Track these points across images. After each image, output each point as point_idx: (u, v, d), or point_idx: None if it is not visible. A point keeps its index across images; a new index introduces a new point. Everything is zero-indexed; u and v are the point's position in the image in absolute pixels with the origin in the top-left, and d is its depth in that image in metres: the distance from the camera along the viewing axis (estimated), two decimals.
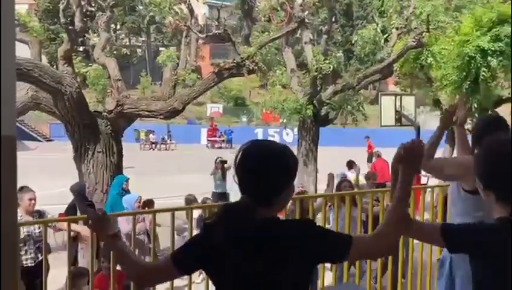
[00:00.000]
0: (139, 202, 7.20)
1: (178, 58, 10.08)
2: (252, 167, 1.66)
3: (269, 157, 1.67)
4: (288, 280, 1.59)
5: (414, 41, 10.05)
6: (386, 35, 11.87)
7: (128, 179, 8.36)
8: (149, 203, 7.47)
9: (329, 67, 9.68)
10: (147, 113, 7.89)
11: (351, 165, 12.45)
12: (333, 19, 12.08)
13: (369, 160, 19.85)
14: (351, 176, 11.14)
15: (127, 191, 8.16)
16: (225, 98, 39.51)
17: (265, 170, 1.64)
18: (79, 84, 8.29)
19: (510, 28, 10.94)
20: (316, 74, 9.88)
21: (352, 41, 11.76)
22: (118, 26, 39.91)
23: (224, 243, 1.60)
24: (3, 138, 1.44)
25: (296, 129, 40.68)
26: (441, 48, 12.57)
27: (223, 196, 10.65)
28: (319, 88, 10.29)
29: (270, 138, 41.27)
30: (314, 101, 10.64)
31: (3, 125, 1.45)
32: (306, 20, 9.38)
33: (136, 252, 6.80)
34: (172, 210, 3.66)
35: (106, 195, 8.46)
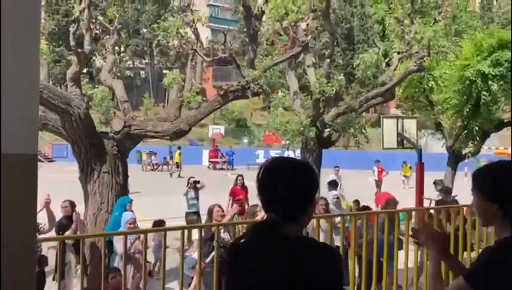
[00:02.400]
0: (130, 224, 7.19)
1: (183, 80, 10.22)
2: (276, 183, 1.62)
3: (293, 172, 1.65)
4: None
5: (415, 66, 10.23)
6: (388, 59, 12.06)
7: (132, 200, 8.40)
8: (160, 223, 7.56)
9: (332, 90, 9.83)
10: (153, 134, 8.00)
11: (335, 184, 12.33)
12: (335, 43, 12.27)
13: (378, 186, 19.58)
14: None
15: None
16: (227, 119, 39.78)
17: (290, 186, 1.61)
18: (86, 105, 8.42)
19: (510, 54, 11.15)
20: (319, 96, 10.03)
21: (354, 65, 11.95)
22: (122, 49, 40.44)
23: (255, 262, 1.56)
24: (29, 157, 1.44)
25: (298, 151, 40.65)
26: (442, 72, 12.78)
27: (196, 215, 10.71)
28: (321, 110, 10.42)
29: None
30: (317, 123, 10.76)
31: (29, 144, 1.45)
32: (309, 45, 9.57)
33: (132, 270, 6.88)
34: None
35: (110, 215, 8.51)
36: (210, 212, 7.11)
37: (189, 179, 11.66)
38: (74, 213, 6.58)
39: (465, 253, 4.94)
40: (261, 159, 37.30)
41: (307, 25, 8.23)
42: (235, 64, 8.07)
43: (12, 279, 1.32)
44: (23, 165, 1.39)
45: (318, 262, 1.54)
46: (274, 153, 36.12)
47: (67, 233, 6.31)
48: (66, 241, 6.14)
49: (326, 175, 12.62)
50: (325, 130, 11.01)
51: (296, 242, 1.58)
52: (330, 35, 10.92)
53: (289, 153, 36.62)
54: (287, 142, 11.56)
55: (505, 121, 13.25)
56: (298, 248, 1.56)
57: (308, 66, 10.62)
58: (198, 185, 11.40)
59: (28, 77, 1.40)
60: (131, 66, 42.56)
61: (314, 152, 11.06)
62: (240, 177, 11.88)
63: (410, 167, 24.46)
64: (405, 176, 24.82)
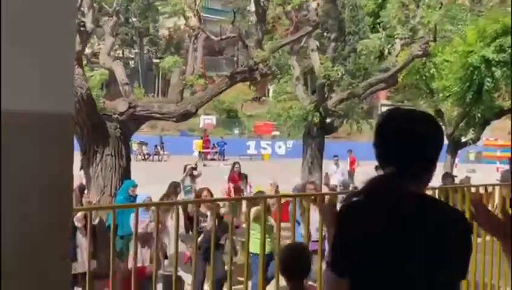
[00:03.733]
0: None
1: (183, 64, 10.02)
2: (405, 130, 1.39)
3: (423, 121, 1.43)
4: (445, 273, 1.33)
5: (420, 51, 10.12)
6: (389, 45, 11.95)
7: (136, 185, 8.19)
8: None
9: (338, 75, 9.67)
10: (159, 115, 7.77)
11: None
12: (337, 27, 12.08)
13: (351, 177, 18.60)
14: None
15: (135, 197, 7.99)
16: (218, 110, 39.50)
17: (422, 138, 1.39)
18: (88, 86, 8.17)
19: None
20: (323, 81, 9.86)
21: (346, 56, 11.82)
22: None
23: (380, 223, 1.35)
24: (63, 116, 1.20)
25: (288, 142, 40.54)
26: (443, 60, 12.72)
27: None
28: (326, 95, 10.27)
29: (262, 151, 40.74)
30: (320, 109, 10.61)
31: (63, 102, 1.22)
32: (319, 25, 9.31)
33: (144, 249, 6.69)
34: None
35: (114, 199, 8.28)
36: (198, 197, 6.90)
37: (186, 166, 11.46)
38: (83, 197, 6.37)
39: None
40: (252, 150, 37.14)
41: (318, 4, 8.04)
42: (243, 44, 7.86)
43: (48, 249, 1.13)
44: (61, 124, 1.19)
45: (449, 222, 1.35)
46: (265, 144, 35.95)
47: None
48: (75, 223, 5.94)
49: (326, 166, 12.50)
50: (328, 116, 10.86)
51: (424, 200, 1.39)
52: (336, 18, 10.75)
53: (279, 145, 36.61)
54: (288, 129, 11.38)
55: (505, 108, 13.26)
56: (427, 206, 1.37)
57: (312, 50, 10.44)
58: (195, 173, 11.16)
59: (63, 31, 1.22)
60: (120, 55, 41.96)
61: (317, 139, 10.92)
62: (237, 165, 11.75)
63: None
64: None
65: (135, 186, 8.10)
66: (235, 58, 46.62)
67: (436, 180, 14.33)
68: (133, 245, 3.39)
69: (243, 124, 39.50)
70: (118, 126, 8.24)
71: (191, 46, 10.28)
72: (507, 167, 32.02)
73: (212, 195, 6.55)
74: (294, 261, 2.82)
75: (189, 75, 9.65)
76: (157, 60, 41.22)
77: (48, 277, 1.13)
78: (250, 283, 6.83)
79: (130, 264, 5.49)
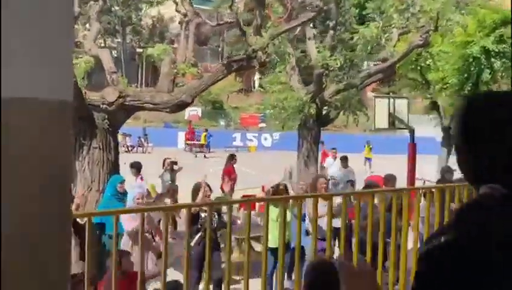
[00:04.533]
0: (138, 199, 6.66)
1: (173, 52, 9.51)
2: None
3: None
4: None
5: (421, 40, 9.77)
6: (386, 35, 11.57)
7: (124, 180, 7.72)
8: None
9: (337, 64, 9.28)
10: (151, 106, 7.26)
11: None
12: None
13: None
14: None
15: (123, 193, 7.52)
16: (203, 101, 38.88)
17: None
18: (75, 74, 7.61)
19: None
20: (321, 70, 9.45)
21: (345, 41, 11.42)
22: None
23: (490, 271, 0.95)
24: (59, 103, 1.15)
25: (275, 134, 40.14)
26: (439, 50, 12.42)
27: None
28: (324, 86, 9.88)
29: (248, 143, 40.39)
30: (317, 100, 10.22)
31: (60, 88, 1.17)
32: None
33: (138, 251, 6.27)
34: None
35: (102, 195, 7.78)
36: (196, 191, 6.50)
37: (164, 160, 10.66)
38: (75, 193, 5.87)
39: None
40: (238, 142, 36.68)
41: None
42: (241, 31, 7.38)
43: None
44: (60, 112, 1.16)
45: None
46: (251, 136, 35.51)
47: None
48: None
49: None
50: (324, 107, 10.47)
51: None
52: (335, 5, 10.33)
53: (266, 136, 36.24)
54: (282, 121, 10.96)
55: None
56: None
57: (309, 39, 10.01)
58: (175, 167, 10.38)
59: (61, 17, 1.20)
60: (102, 44, 40.94)
61: (313, 130, 10.53)
62: (234, 158, 11.32)
63: (371, 148, 23.64)
64: (367, 159, 23.62)
65: (123, 181, 7.62)
66: (220, 49, 46.02)
67: (429, 174, 14.01)
68: (140, 251, 2.93)
69: (229, 116, 39.00)
70: (106, 117, 7.71)
71: (183, 33, 9.76)
72: None
73: (210, 189, 6.18)
74: (323, 285, 2.42)
75: (180, 63, 9.15)
76: (141, 50, 40.35)
77: (48, 277, 1.11)
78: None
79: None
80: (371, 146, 23.71)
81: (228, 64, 7.44)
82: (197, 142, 34.37)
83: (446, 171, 10.31)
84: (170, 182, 10.01)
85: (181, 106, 7.31)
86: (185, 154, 32.44)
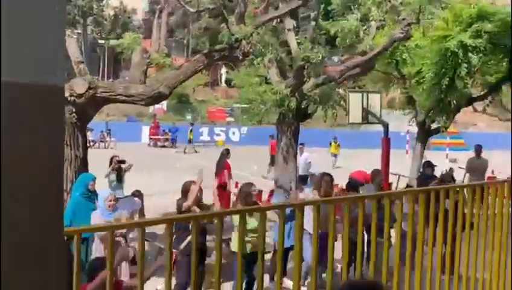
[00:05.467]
0: (110, 201, 6.18)
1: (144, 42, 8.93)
2: None
3: None
4: None
5: (402, 33, 9.58)
6: (364, 28, 11.35)
7: (95, 178, 7.14)
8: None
9: (319, 57, 8.94)
10: (124, 98, 6.69)
11: None
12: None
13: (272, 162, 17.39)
14: None
15: (93, 193, 6.96)
16: None
17: None
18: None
19: (490, 25, 10.84)
20: (302, 63, 9.09)
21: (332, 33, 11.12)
22: None
23: None
24: (53, 88, 1.07)
25: (243, 129, 39.78)
26: (416, 44, 12.31)
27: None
28: (305, 79, 9.52)
29: (216, 137, 40.01)
30: (296, 94, 9.86)
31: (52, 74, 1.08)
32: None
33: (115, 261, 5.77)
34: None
35: (69, 196, 7.16)
36: (186, 192, 6.05)
37: (112, 159, 9.36)
38: None
39: None
40: (205, 137, 36.04)
41: None
42: (223, 18, 6.90)
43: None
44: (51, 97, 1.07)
45: None
46: (219, 130, 34.94)
47: None
48: None
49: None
50: (303, 101, 10.13)
51: None
52: None
53: (233, 131, 35.75)
54: (262, 113, 10.56)
55: (474, 96, 13.12)
56: None
57: (288, 30, 9.63)
58: (123, 166, 9.23)
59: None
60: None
61: (293, 125, 10.18)
62: (227, 151, 11.09)
63: (339, 145, 23.42)
64: (333, 155, 23.49)
65: (95, 179, 7.07)
66: (185, 42, 45.09)
67: (401, 169, 13.91)
68: (139, 266, 2.46)
69: (196, 110, 38.25)
70: (74, 110, 7.10)
71: (155, 22, 9.20)
72: (458, 153, 32.95)
73: (201, 189, 5.75)
74: None
75: (153, 53, 8.59)
76: (102, 41, 38.96)
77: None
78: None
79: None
80: (337, 142, 23.46)
81: (209, 54, 6.95)
82: (161, 137, 33.51)
83: (427, 167, 10.21)
84: (115, 182, 9.01)
85: (158, 98, 6.78)
86: (149, 149, 31.55)
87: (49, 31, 1.07)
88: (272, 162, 17.79)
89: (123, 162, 9.17)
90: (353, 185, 8.23)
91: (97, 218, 5.99)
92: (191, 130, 30.17)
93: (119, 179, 9.10)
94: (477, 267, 4.32)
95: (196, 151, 26.43)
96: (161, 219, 2.86)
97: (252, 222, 5.12)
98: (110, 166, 9.12)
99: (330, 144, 24.17)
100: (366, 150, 33.57)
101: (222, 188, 12.10)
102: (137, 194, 7.31)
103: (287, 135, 10.13)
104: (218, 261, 2.59)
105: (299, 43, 9.44)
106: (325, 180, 6.27)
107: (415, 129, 14.41)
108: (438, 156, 21.11)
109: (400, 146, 26.25)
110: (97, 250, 5.80)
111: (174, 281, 7.23)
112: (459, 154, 32.02)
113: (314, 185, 6.57)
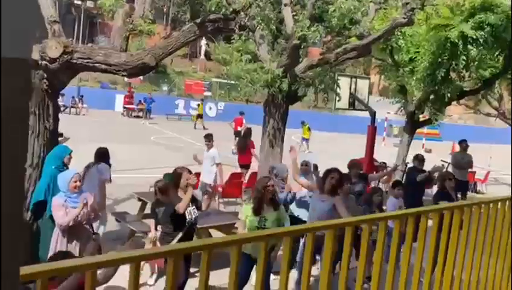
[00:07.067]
0: (76, 182, 5.55)
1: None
2: None
3: None
4: None
5: (405, 18, 8.97)
6: (363, 9, 10.70)
7: (71, 151, 6.48)
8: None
9: (317, 36, 8.29)
10: (105, 66, 5.91)
11: None
12: None
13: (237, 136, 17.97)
14: None
15: (67, 167, 6.37)
16: None
17: None
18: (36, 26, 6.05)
19: (493, 17, 10.37)
20: (297, 42, 8.41)
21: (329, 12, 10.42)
22: None
23: None
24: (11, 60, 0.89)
25: (220, 104, 38.84)
26: (413, 31, 11.79)
27: None
28: (300, 59, 8.85)
29: (191, 111, 39.04)
30: (288, 75, 9.20)
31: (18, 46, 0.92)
32: None
33: (71, 244, 5.16)
34: None
35: (36, 171, 6.40)
36: (178, 178, 5.47)
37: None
38: None
39: None
40: (181, 110, 35.10)
41: None
42: None
43: None
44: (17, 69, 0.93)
45: None
46: (195, 104, 34.06)
47: None
48: None
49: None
50: (295, 83, 9.48)
51: None
52: None
53: (210, 106, 34.85)
54: (247, 93, 9.90)
55: (466, 89, 12.76)
56: None
57: (285, 5, 8.90)
58: (60, 139, 8.81)
59: None
60: None
61: (282, 108, 9.56)
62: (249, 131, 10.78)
63: (309, 129, 22.81)
64: (304, 139, 22.96)
65: (70, 153, 6.42)
66: (165, 9, 43.44)
67: (380, 157, 13.48)
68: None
69: (172, 81, 37.15)
70: (45, 76, 6.29)
71: None
72: (432, 143, 32.98)
73: (195, 175, 5.23)
74: None
75: (138, 18, 7.76)
76: (79, 2, 37.03)
77: None
78: None
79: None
80: (307, 125, 22.80)
81: (201, 23, 6.20)
82: (136, 107, 32.45)
83: (417, 160, 9.81)
84: None
85: (143, 70, 6.03)
86: (122, 119, 30.42)
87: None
88: (236, 137, 17.95)
89: (60, 135, 8.47)
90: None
91: (60, 205, 5.30)
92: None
93: None
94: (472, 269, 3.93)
95: (204, 128, 25.24)
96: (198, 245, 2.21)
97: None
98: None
99: (301, 127, 23.41)
100: (342, 135, 33.27)
101: (245, 168, 11.84)
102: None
103: (275, 117, 9.51)
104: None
105: (296, 20, 8.74)
106: (330, 177, 5.81)
107: (393, 117, 14.06)
108: (414, 145, 20.94)
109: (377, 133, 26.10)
110: (59, 241, 5.14)
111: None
112: (433, 144, 32.18)
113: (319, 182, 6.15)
